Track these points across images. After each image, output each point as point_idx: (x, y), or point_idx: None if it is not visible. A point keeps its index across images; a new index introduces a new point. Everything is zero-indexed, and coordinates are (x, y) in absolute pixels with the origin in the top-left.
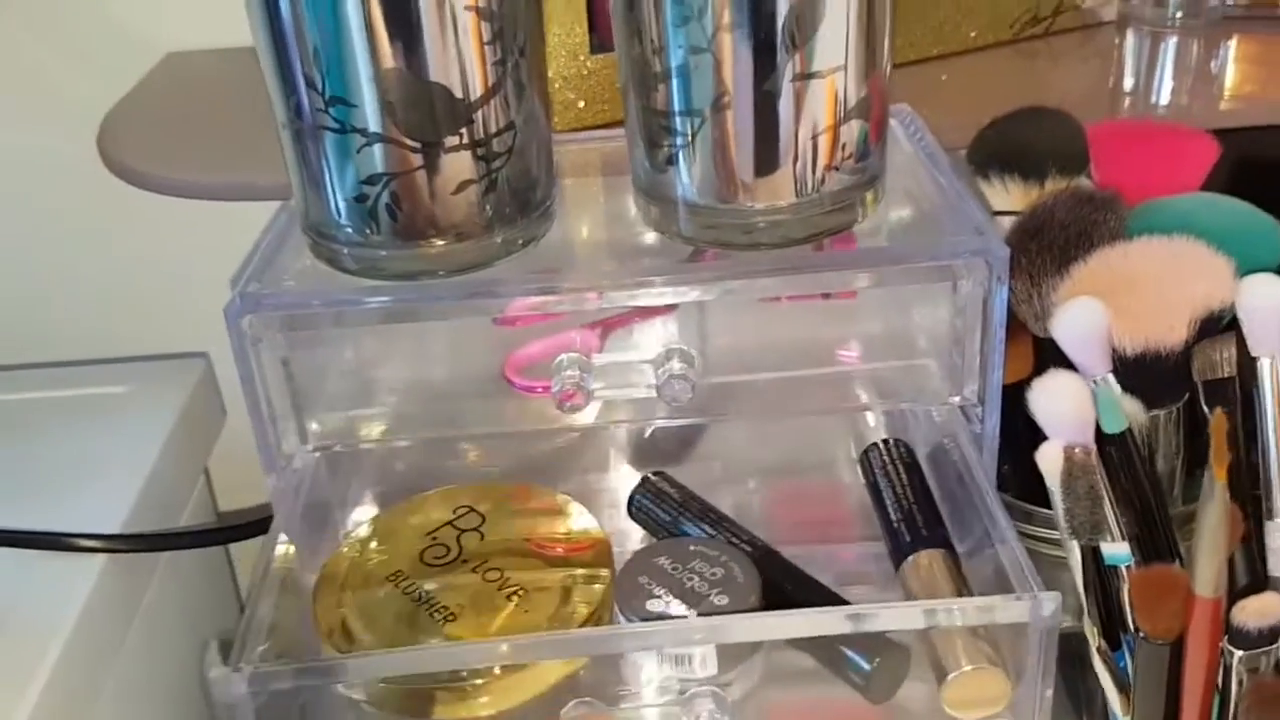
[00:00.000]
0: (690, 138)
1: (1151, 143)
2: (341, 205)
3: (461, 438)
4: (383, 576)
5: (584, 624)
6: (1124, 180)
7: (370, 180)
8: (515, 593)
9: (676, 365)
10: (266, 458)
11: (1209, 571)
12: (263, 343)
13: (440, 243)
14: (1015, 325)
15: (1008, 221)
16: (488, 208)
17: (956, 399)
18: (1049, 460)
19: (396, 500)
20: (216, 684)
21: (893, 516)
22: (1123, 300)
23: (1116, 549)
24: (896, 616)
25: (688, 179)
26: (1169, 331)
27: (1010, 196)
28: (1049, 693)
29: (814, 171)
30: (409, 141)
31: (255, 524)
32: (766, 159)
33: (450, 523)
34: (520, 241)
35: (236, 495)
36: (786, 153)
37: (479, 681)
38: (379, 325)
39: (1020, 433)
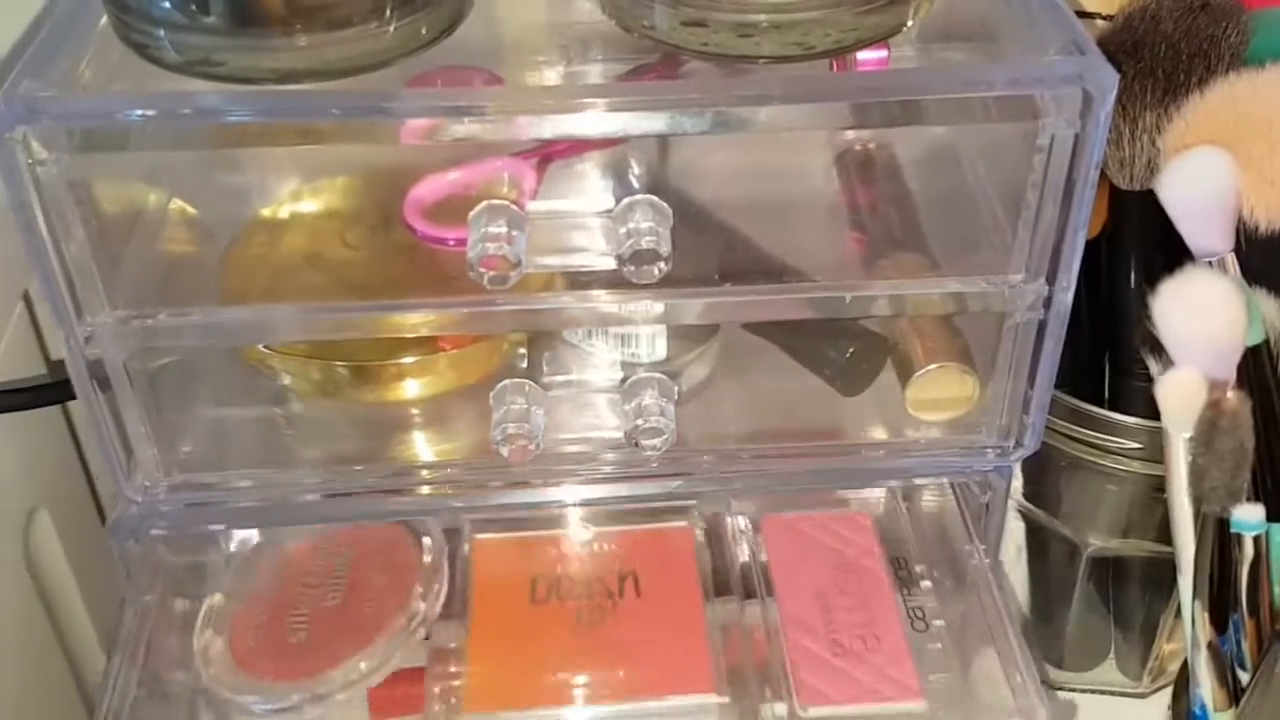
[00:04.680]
0: None
1: None
2: None
3: (344, 310)
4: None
5: None
6: None
7: None
8: None
9: (643, 223)
10: (59, 322)
11: None
12: (45, 165)
13: (305, 33)
14: None
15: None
16: None
17: (1018, 275)
18: (1180, 398)
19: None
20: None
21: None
22: (1253, 152)
23: (1248, 513)
24: (864, 301)
25: None
26: None
27: None
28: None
29: None
30: None
31: None
32: None
33: None
34: (424, 33)
35: None
36: None
37: (408, 360)
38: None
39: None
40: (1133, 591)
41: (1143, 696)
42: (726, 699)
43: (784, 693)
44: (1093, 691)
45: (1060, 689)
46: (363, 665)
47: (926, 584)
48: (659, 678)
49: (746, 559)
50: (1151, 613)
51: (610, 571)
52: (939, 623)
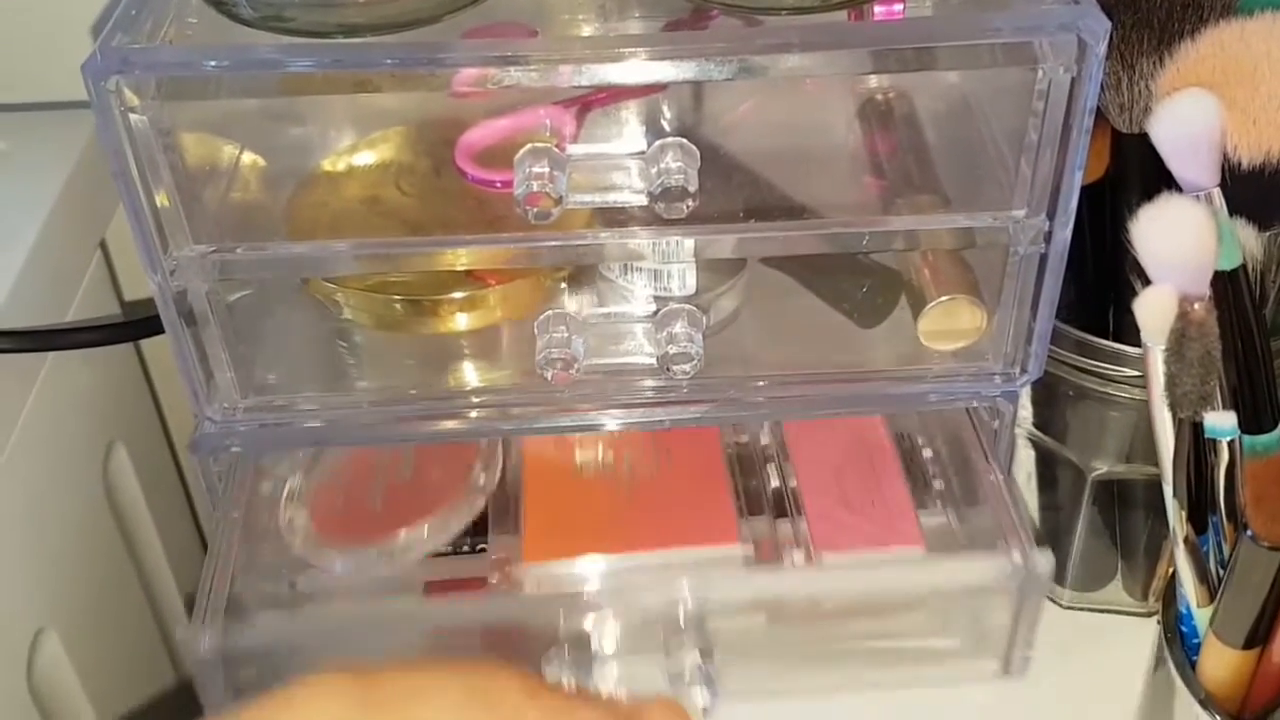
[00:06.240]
0: None
1: None
2: None
3: (403, 245)
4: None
5: None
6: None
7: None
8: None
9: (673, 163)
10: (147, 256)
11: None
12: (136, 112)
13: None
14: None
15: None
16: None
17: (1021, 211)
18: (1155, 313)
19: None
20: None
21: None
22: (1237, 94)
23: (1221, 420)
24: (882, 236)
25: None
26: None
27: None
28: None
29: None
30: None
31: None
32: None
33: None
34: None
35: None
36: None
37: (459, 295)
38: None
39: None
40: (1136, 516)
41: (1147, 616)
42: (751, 548)
43: (802, 542)
44: (1100, 611)
45: (1069, 608)
46: (427, 529)
47: (928, 453)
48: (692, 532)
49: (767, 442)
50: (1154, 536)
51: (646, 451)
52: (938, 484)
